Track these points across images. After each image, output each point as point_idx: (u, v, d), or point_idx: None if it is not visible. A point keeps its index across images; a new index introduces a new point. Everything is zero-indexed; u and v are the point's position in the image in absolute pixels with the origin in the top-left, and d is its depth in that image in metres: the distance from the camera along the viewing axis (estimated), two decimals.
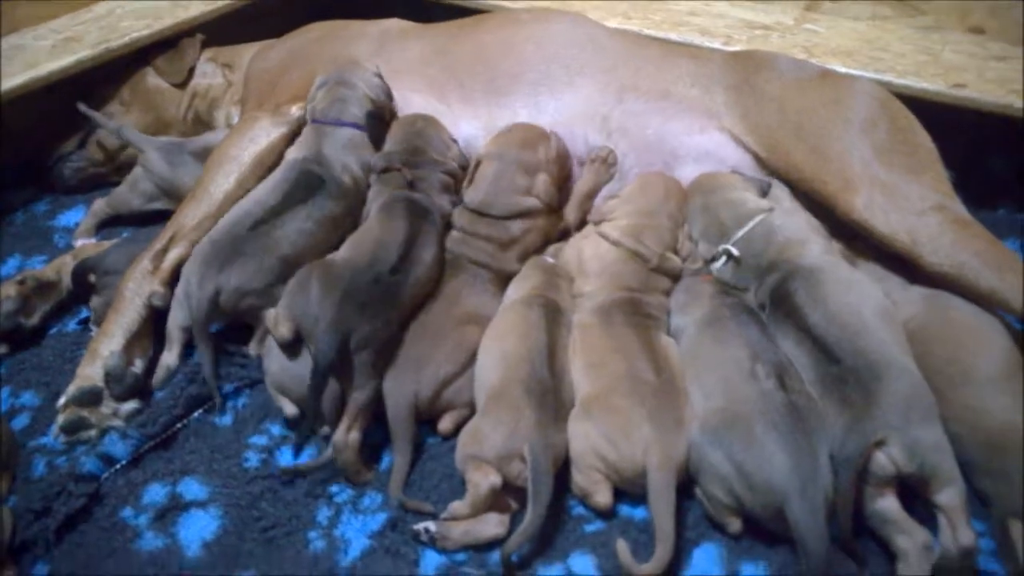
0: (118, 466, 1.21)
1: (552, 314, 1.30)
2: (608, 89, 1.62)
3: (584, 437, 1.15)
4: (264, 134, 1.61)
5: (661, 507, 1.07)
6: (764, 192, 1.44)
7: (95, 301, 1.45)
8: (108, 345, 1.35)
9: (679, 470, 1.11)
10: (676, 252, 1.43)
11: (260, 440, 1.27)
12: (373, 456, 1.24)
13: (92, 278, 1.46)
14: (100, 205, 1.75)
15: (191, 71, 1.93)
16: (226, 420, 1.31)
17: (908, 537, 1.04)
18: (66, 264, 1.53)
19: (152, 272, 1.42)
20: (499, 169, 1.46)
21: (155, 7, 1.97)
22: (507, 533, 1.10)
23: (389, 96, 1.64)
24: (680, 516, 1.09)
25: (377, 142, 1.56)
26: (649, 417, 1.13)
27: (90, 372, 1.32)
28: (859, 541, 1.07)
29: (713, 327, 1.24)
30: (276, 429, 1.29)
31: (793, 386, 1.14)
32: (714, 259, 1.37)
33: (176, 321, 1.34)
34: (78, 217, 1.79)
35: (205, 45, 1.97)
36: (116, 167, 1.89)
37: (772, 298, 1.28)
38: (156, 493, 1.18)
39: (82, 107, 1.75)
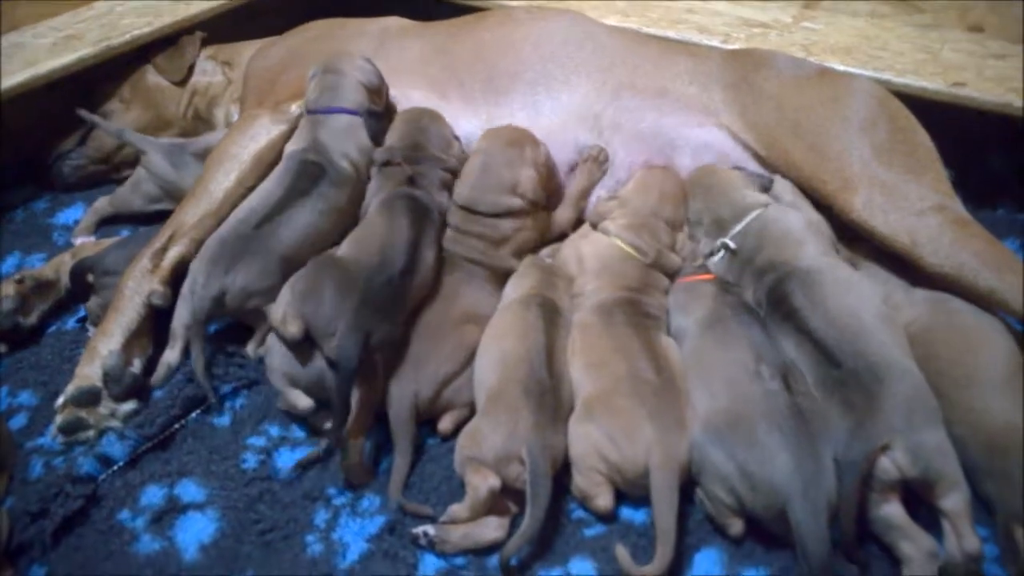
0: (115, 467, 1.21)
1: (550, 314, 1.30)
2: (605, 87, 1.62)
3: (586, 438, 1.14)
4: (264, 132, 1.61)
5: (663, 507, 1.07)
6: (765, 188, 1.43)
7: (92, 301, 1.44)
8: (107, 344, 1.34)
9: (681, 470, 1.11)
10: (674, 251, 1.44)
11: (258, 441, 1.27)
12: (372, 457, 1.23)
13: (90, 277, 1.46)
14: (102, 203, 1.75)
15: (191, 69, 1.93)
16: (224, 421, 1.30)
17: (912, 543, 1.04)
18: (65, 263, 1.53)
19: (152, 271, 1.42)
20: (484, 163, 1.46)
21: (156, 5, 1.97)
22: (507, 536, 1.10)
23: (380, 79, 1.64)
24: (681, 520, 1.09)
25: (378, 135, 1.56)
26: (650, 417, 1.13)
27: (88, 372, 1.32)
28: (862, 546, 1.06)
29: (715, 329, 1.24)
30: (274, 430, 1.28)
31: (798, 388, 1.14)
32: (712, 253, 1.37)
33: (181, 319, 1.34)
34: (77, 215, 1.78)
35: (205, 43, 1.97)
36: (115, 165, 1.89)
37: (769, 299, 1.27)
38: (153, 495, 1.18)
39: (82, 112, 1.75)
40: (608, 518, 1.14)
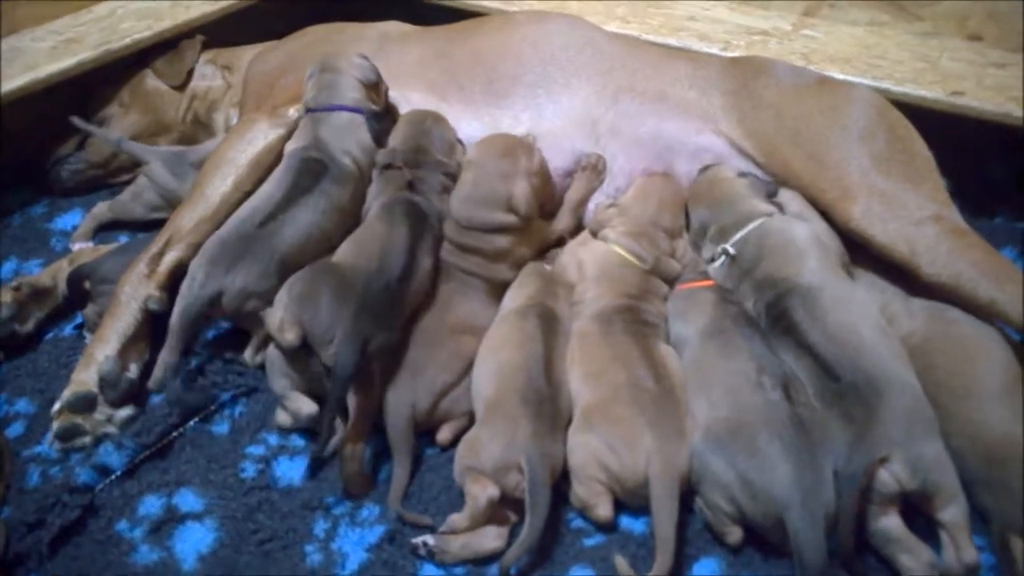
0: (113, 477, 1.21)
1: (548, 323, 1.30)
2: (605, 91, 1.62)
3: (585, 448, 1.14)
4: (261, 136, 1.61)
5: (663, 516, 1.07)
6: (771, 195, 1.43)
7: (89, 309, 1.44)
8: (103, 350, 1.34)
9: (681, 479, 1.11)
10: (674, 258, 1.44)
11: (257, 450, 1.26)
12: (372, 467, 1.23)
13: (87, 284, 1.45)
14: (102, 209, 1.74)
15: (190, 73, 1.93)
16: (222, 429, 1.30)
17: (911, 555, 1.04)
18: (62, 270, 1.53)
19: (148, 276, 1.42)
20: (477, 177, 1.44)
21: (155, 8, 1.96)
22: (506, 546, 1.10)
23: (378, 75, 1.63)
24: (681, 530, 1.09)
25: (380, 137, 1.55)
26: (650, 426, 1.13)
27: (85, 377, 1.31)
28: (860, 557, 1.06)
29: (717, 339, 1.24)
30: (273, 439, 1.28)
31: (799, 398, 1.14)
32: (713, 259, 1.37)
33: (177, 314, 1.33)
34: (75, 220, 1.78)
35: (205, 47, 1.97)
36: (113, 170, 1.88)
37: (769, 313, 1.27)
38: (151, 505, 1.18)
39: (78, 121, 1.74)
40: (607, 527, 1.14)
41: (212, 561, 1.12)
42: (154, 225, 1.67)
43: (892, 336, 1.24)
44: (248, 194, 1.50)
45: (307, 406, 1.24)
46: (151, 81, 1.91)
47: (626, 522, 1.15)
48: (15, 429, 1.32)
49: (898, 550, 1.05)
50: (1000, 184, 1.79)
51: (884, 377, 1.13)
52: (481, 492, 1.10)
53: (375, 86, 1.62)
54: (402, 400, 1.23)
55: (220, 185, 1.53)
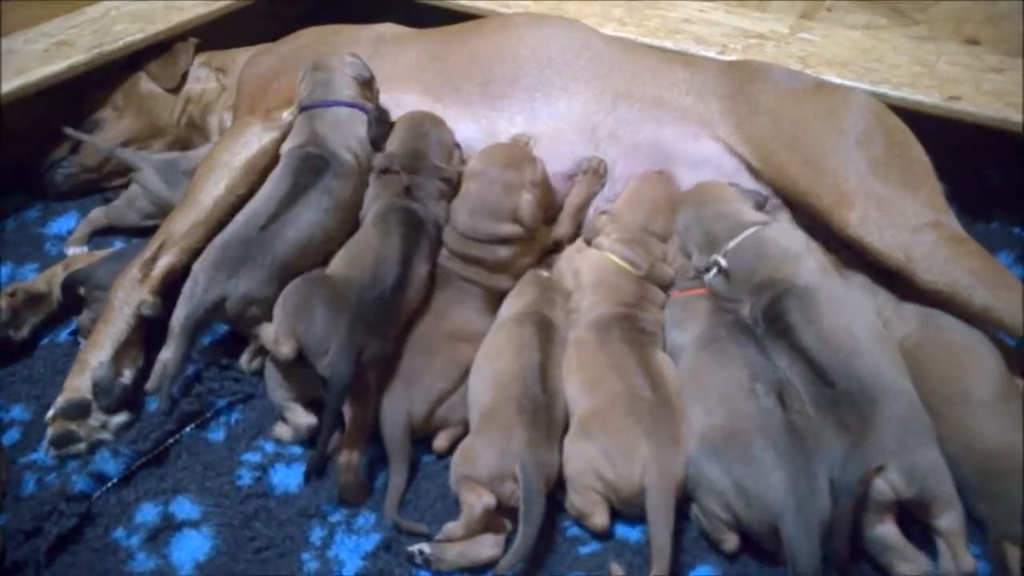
0: (110, 484, 1.20)
1: (545, 331, 1.30)
2: (603, 96, 1.61)
3: (582, 456, 1.14)
4: (255, 139, 1.60)
5: (659, 525, 1.07)
6: (760, 205, 1.43)
7: (84, 316, 1.43)
8: (97, 356, 1.34)
9: (677, 488, 1.11)
10: (666, 262, 1.44)
11: (254, 457, 1.26)
12: (368, 474, 1.23)
13: (82, 290, 1.45)
14: (97, 214, 1.74)
15: (184, 76, 1.92)
16: (219, 436, 1.30)
17: (908, 564, 1.04)
18: (57, 275, 1.52)
19: (141, 281, 1.41)
20: (483, 188, 1.44)
21: (149, 10, 1.95)
22: (502, 554, 1.10)
23: (370, 72, 1.63)
24: (677, 538, 1.09)
25: (379, 140, 1.54)
26: (646, 435, 1.13)
27: (78, 384, 1.31)
28: (855, 564, 1.07)
29: (711, 346, 1.24)
30: (270, 446, 1.28)
31: (793, 405, 1.14)
32: (707, 269, 1.37)
33: (179, 319, 1.32)
34: (70, 224, 1.77)
35: (199, 49, 1.96)
36: (108, 174, 1.87)
37: (766, 316, 1.27)
38: (148, 513, 1.18)
39: (70, 131, 1.73)
40: (603, 536, 1.14)
41: (209, 569, 1.12)
42: (149, 231, 1.66)
43: (889, 340, 1.24)
44: (241, 197, 1.49)
45: (305, 419, 1.24)
46: (145, 84, 1.90)
47: (622, 530, 1.15)
48: (11, 436, 1.31)
49: (895, 558, 1.05)
50: (997, 189, 1.79)
51: (879, 384, 1.13)
52: (477, 501, 1.10)
53: (368, 83, 1.62)
54: (398, 408, 1.22)
55: (213, 189, 1.52)
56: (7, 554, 1.10)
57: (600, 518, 1.13)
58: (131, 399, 1.34)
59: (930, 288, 1.32)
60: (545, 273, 1.44)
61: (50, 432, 1.26)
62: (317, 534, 1.16)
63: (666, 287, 1.42)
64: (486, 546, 1.11)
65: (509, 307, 1.36)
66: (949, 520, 1.05)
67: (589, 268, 1.42)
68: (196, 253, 1.39)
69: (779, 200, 1.51)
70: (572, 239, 1.54)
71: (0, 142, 1.77)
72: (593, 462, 1.13)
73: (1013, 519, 1.07)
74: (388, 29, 1.84)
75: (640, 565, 1.10)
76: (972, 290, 1.29)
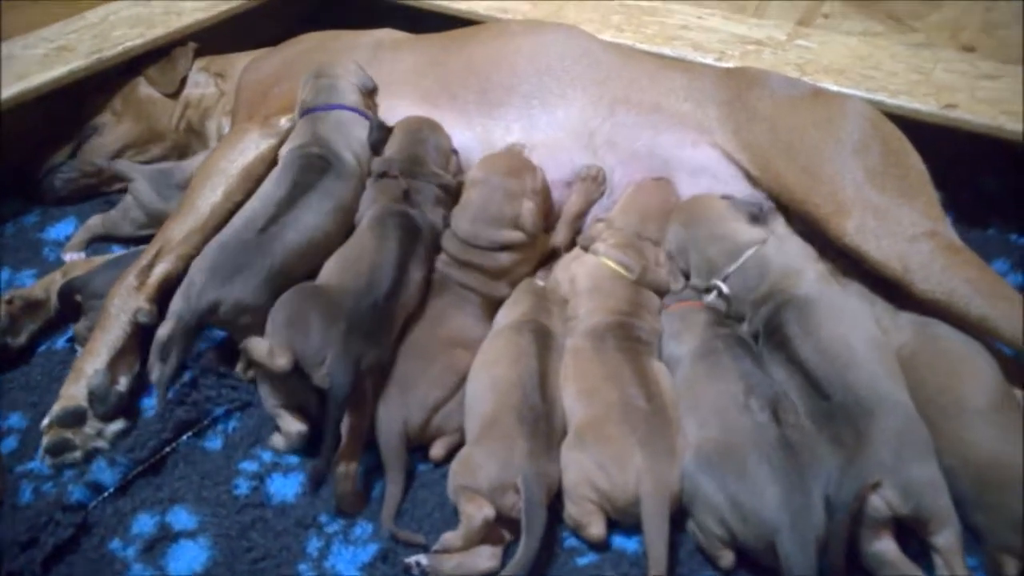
0: (106, 494, 1.20)
1: (543, 339, 1.30)
2: (601, 102, 1.62)
3: (578, 466, 1.15)
4: (253, 146, 1.60)
5: (654, 535, 1.07)
6: (755, 217, 1.43)
7: (80, 324, 1.43)
8: (92, 364, 1.33)
9: (672, 498, 1.11)
10: (659, 265, 1.44)
11: (251, 466, 1.26)
12: (364, 484, 1.23)
13: (78, 298, 1.45)
14: (95, 222, 1.73)
15: (183, 81, 1.92)
16: (216, 444, 1.30)
17: None
18: (55, 282, 1.52)
19: (138, 288, 1.41)
20: (485, 196, 1.44)
21: (148, 15, 1.95)
22: (500, 566, 1.10)
23: (372, 82, 1.65)
24: (673, 550, 1.09)
25: (378, 146, 1.55)
26: (641, 445, 1.13)
27: (74, 392, 1.31)
28: None
29: (707, 360, 1.24)
30: (267, 455, 1.28)
31: (787, 420, 1.14)
32: (707, 291, 1.37)
33: (174, 314, 1.31)
34: (68, 230, 1.77)
35: (198, 54, 1.96)
36: (107, 178, 1.87)
37: (765, 328, 1.28)
38: (145, 523, 1.17)
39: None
40: (600, 546, 1.14)
41: None
42: (145, 240, 1.65)
43: (887, 350, 1.24)
44: (239, 204, 1.48)
45: (296, 425, 1.24)
46: (144, 89, 1.91)
47: (619, 541, 1.15)
48: (8, 444, 1.31)
49: (891, 573, 1.05)
50: (994, 196, 1.79)
51: (875, 396, 1.13)
52: (476, 512, 1.10)
53: (370, 93, 1.63)
54: (394, 416, 1.22)
55: (210, 196, 1.52)
56: (3, 565, 1.10)
57: (596, 528, 1.13)
58: (127, 407, 1.34)
59: (927, 297, 1.32)
60: (540, 282, 1.44)
61: (46, 440, 1.26)
62: (314, 545, 1.16)
63: (661, 291, 1.42)
64: (484, 557, 1.11)
65: (505, 316, 1.36)
66: (946, 537, 1.04)
67: (585, 274, 1.42)
68: (193, 261, 1.38)
69: (773, 204, 1.51)
70: (569, 247, 1.54)
71: None
72: (587, 472, 1.13)
73: (1010, 530, 1.07)
74: (386, 35, 1.85)
75: None
76: (969, 300, 1.29)
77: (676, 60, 1.74)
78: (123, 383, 1.35)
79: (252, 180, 1.55)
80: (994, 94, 1.65)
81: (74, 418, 1.27)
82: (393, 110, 1.66)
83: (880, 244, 1.36)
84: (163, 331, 1.29)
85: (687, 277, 1.42)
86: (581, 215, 1.56)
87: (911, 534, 1.08)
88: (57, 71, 1.75)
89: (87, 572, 1.12)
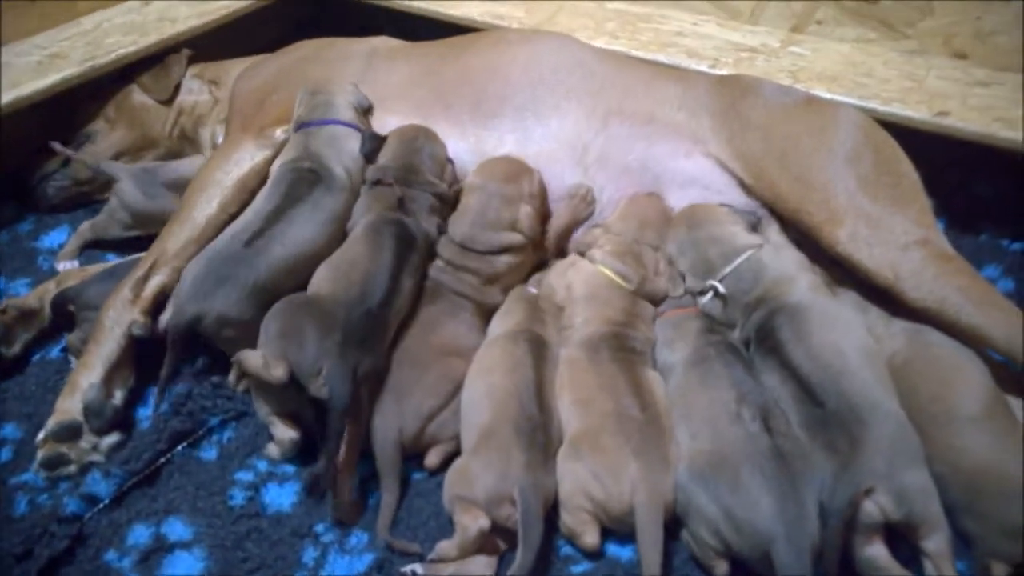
0: (101, 505, 1.20)
1: (538, 348, 1.30)
2: (594, 114, 1.62)
3: (573, 476, 1.15)
4: (248, 157, 1.60)
5: (648, 545, 1.08)
6: (753, 226, 1.44)
7: (74, 335, 1.43)
8: (88, 377, 1.33)
9: (666, 507, 1.12)
10: (657, 274, 1.44)
11: (246, 476, 1.26)
12: (360, 493, 1.23)
13: (72, 308, 1.45)
14: (85, 228, 1.73)
15: (177, 88, 1.92)
16: (211, 455, 1.30)
17: None
18: (49, 291, 1.52)
19: (132, 301, 1.41)
20: (483, 202, 1.45)
21: (141, 22, 1.95)
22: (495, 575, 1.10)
23: (367, 100, 1.65)
24: (668, 559, 1.10)
25: (372, 156, 1.55)
26: (635, 455, 1.14)
27: (69, 406, 1.31)
28: None
29: (699, 368, 1.25)
30: (262, 465, 1.28)
31: (779, 428, 1.14)
32: (702, 292, 1.38)
33: (166, 322, 1.33)
34: (62, 238, 1.77)
35: (191, 61, 1.96)
36: (100, 186, 1.86)
37: (757, 334, 1.28)
38: (140, 534, 1.17)
39: (56, 145, 1.71)
40: (595, 555, 1.15)
41: None
42: (135, 243, 1.67)
43: (878, 359, 1.25)
44: (234, 216, 1.49)
45: (287, 433, 1.25)
46: (137, 96, 1.91)
47: (614, 549, 1.16)
48: (2, 455, 1.31)
49: None
50: (986, 202, 1.80)
51: (867, 404, 1.14)
52: (472, 523, 1.10)
53: (365, 112, 1.64)
54: (389, 425, 1.23)
55: (206, 207, 1.52)
56: None
57: (591, 537, 1.13)
58: (122, 418, 1.34)
59: (918, 306, 1.32)
60: (533, 290, 1.45)
61: (41, 455, 1.25)
62: (310, 554, 1.16)
63: (657, 301, 1.43)
64: (479, 567, 1.11)
65: (500, 324, 1.36)
66: (936, 542, 1.05)
67: (581, 281, 1.42)
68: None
69: (767, 212, 1.51)
70: (556, 256, 1.55)
71: None
72: (582, 482, 1.14)
73: (1001, 536, 1.08)
74: (381, 43, 1.84)
75: None
76: (960, 308, 1.29)
77: (670, 68, 1.74)
78: (118, 396, 1.35)
79: (247, 192, 1.56)
80: (986, 101, 1.65)
81: (70, 432, 1.27)
82: (386, 119, 1.66)
83: (872, 252, 1.37)
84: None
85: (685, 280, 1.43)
86: (568, 233, 1.56)
87: (902, 539, 1.09)
88: (51, 79, 1.75)
89: None
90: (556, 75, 1.65)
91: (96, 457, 1.28)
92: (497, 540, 1.13)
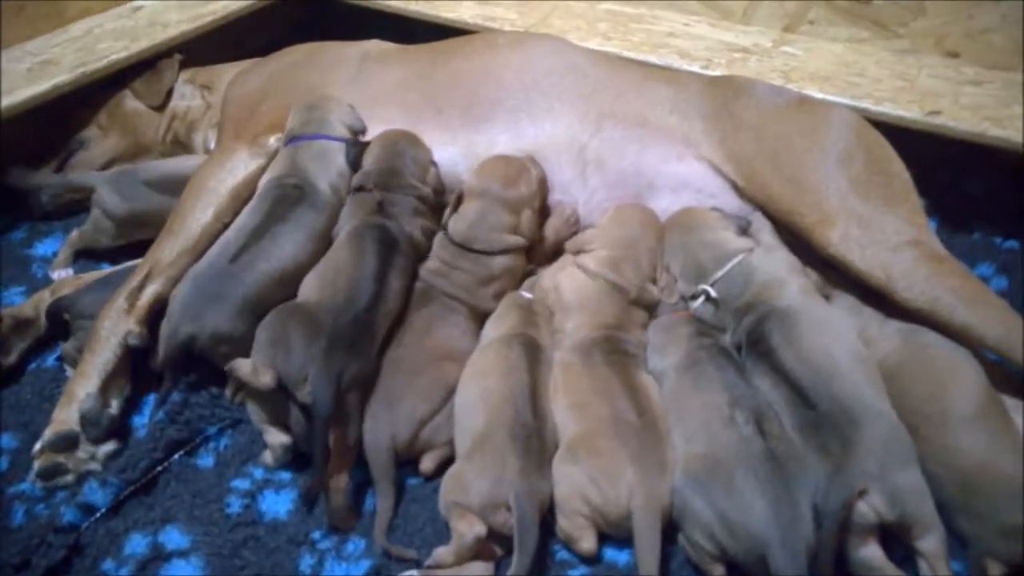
0: (98, 514, 1.20)
1: (532, 352, 1.30)
2: (587, 117, 1.62)
3: (570, 481, 1.15)
4: (242, 165, 1.60)
5: (645, 549, 1.08)
6: (744, 230, 1.44)
7: (69, 344, 1.42)
8: (84, 387, 1.33)
9: (663, 512, 1.12)
10: (654, 282, 1.44)
11: (243, 484, 1.26)
12: (356, 499, 1.23)
13: (67, 316, 1.45)
14: (74, 237, 1.72)
15: (169, 93, 1.92)
16: (208, 462, 1.30)
17: None
18: (44, 300, 1.51)
19: (128, 311, 1.40)
20: (483, 207, 1.46)
21: (133, 28, 1.95)
22: None
23: (361, 123, 1.66)
24: (665, 562, 1.10)
25: (356, 163, 1.56)
26: (632, 459, 1.14)
27: (65, 416, 1.30)
28: None
29: (692, 371, 1.25)
30: (259, 472, 1.28)
31: (772, 431, 1.15)
32: (694, 297, 1.38)
33: (161, 344, 1.33)
34: (56, 246, 1.75)
35: (183, 66, 1.96)
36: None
37: (748, 339, 1.29)
38: (137, 544, 1.17)
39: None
40: (592, 560, 1.15)
41: None
42: (131, 247, 1.66)
43: (869, 362, 1.25)
44: (228, 225, 1.49)
45: (279, 438, 1.25)
46: (130, 102, 1.91)
47: (610, 554, 1.16)
48: None
49: None
50: (979, 200, 1.81)
51: (860, 405, 1.14)
52: (468, 529, 1.10)
53: (358, 133, 1.64)
54: (382, 430, 1.23)
55: (201, 216, 1.52)
56: None
57: (587, 542, 1.14)
58: (119, 428, 1.33)
59: (911, 306, 1.33)
60: (527, 295, 1.45)
61: (37, 465, 1.25)
62: (307, 562, 1.16)
63: (652, 308, 1.42)
64: (476, 572, 1.12)
65: (494, 329, 1.36)
66: (930, 542, 1.06)
67: (571, 288, 1.42)
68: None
69: (760, 214, 1.52)
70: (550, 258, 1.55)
71: None
72: (579, 486, 1.14)
73: (997, 536, 1.09)
74: (374, 46, 1.84)
75: None
76: (952, 308, 1.30)
77: (662, 70, 1.75)
78: (115, 406, 1.35)
79: (241, 201, 1.56)
80: (978, 100, 1.66)
81: (66, 443, 1.27)
82: (378, 123, 1.66)
83: (864, 253, 1.37)
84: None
85: None
86: (552, 252, 1.56)
87: (896, 540, 1.10)
88: (43, 86, 1.75)
89: None
90: (549, 78, 1.65)
91: (93, 466, 1.28)
92: (493, 546, 1.13)
